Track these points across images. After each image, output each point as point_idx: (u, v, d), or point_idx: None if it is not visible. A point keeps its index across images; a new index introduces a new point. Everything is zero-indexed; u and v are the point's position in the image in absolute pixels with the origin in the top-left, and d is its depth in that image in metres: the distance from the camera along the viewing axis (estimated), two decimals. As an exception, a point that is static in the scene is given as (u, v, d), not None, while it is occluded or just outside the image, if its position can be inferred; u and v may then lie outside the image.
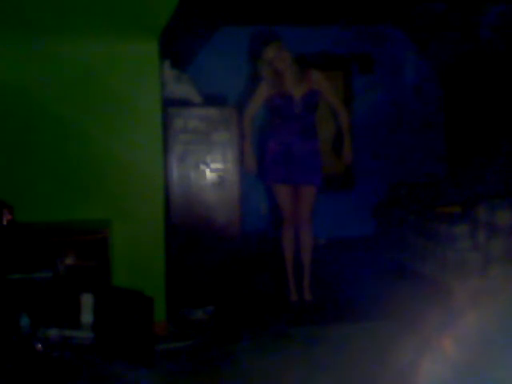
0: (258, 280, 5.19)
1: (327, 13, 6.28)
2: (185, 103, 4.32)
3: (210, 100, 4.57)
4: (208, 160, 4.28)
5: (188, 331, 3.93)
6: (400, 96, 7.02)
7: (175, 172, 4.23)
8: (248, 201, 4.99)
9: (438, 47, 6.63)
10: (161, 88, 3.95)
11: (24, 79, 3.70)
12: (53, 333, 3.31)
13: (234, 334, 3.91)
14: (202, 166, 4.28)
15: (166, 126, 4.13)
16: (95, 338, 3.37)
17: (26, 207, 3.68)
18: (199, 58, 6.53)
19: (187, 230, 4.26)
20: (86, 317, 3.45)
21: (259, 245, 6.19)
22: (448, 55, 6.59)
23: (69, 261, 3.49)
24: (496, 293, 4.07)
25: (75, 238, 3.48)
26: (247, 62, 6.45)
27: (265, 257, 5.92)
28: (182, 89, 4.34)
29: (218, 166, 4.29)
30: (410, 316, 3.72)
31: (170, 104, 4.22)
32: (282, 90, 4.33)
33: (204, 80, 5.18)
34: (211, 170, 4.29)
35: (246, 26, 6.55)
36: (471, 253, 4.30)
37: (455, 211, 5.05)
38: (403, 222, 5.41)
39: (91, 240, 3.48)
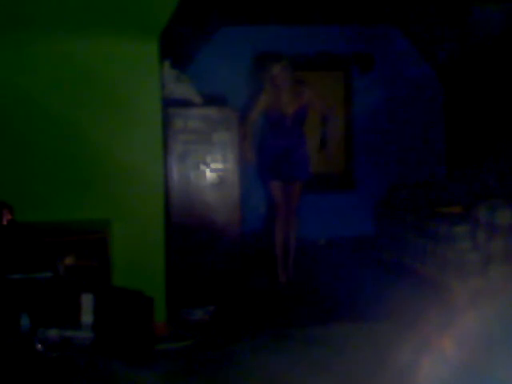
0: (258, 280, 5.19)
1: (327, 13, 6.28)
2: (185, 103, 4.32)
3: (210, 100, 4.57)
4: (208, 160, 4.28)
5: (188, 331, 3.93)
6: (400, 96, 7.01)
7: (175, 172, 4.23)
8: (248, 201, 5.02)
9: (438, 47, 6.63)
10: (161, 88, 3.95)
11: (24, 79, 3.70)
12: (53, 333, 3.31)
13: (233, 333, 3.91)
14: (202, 166, 4.28)
15: (165, 125, 4.12)
16: (95, 338, 3.36)
17: (26, 207, 3.68)
18: (199, 57, 6.52)
19: (187, 230, 4.26)
20: (86, 317, 3.44)
21: (259, 244, 6.19)
22: (448, 55, 6.59)
23: (69, 261, 3.49)
24: (496, 293, 4.07)
25: (75, 238, 3.48)
26: (247, 62, 6.46)
27: (265, 256, 5.92)
28: (182, 89, 4.34)
29: (218, 166, 4.29)
30: (410, 316, 3.72)
31: (170, 104, 4.22)
32: (277, 106, 4.96)
33: (204, 80, 5.18)
34: (211, 170, 4.29)
35: (246, 26, 6.55)
36: (471, 253, 4.30)
37: (455, 211, 5.05)
38: (403, 222, 5.41)
39: (91, 240, 3.48)
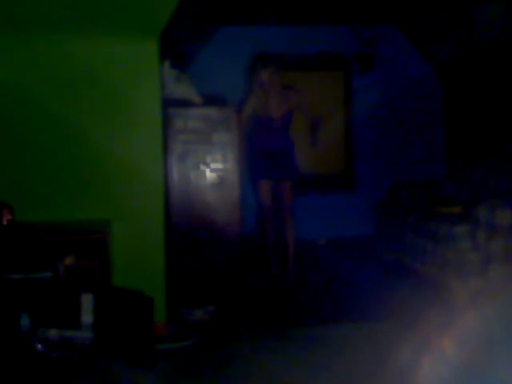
0: (258, 280, 5.19)
1: (327, 13, 6.28)
2: (185, 103, 4.32)
3: (210, 100, 4.58)
4: (208, 160, 4.28)
5: (188, 331, 3.93)
6: (400, 96, 7.01)
7: (175, 172, 4.23)
8: (248, 201, 5.03)
9: (438, 47, 6.63)
10: (161, 88, 3.95)
11: (24, 79, 3.70)
12: (53, 333, 3.31)
13: (234, 333, 3.91)
14: (202, 166, 4.28)
15: (165, 125, 4.12)
16: (95, 338, 3.36)
17: (26, 207, 3.68)
18: (199, 57, 6.52)
19: (187, 230, 4.26)
20: (86, 317, 3.44)
21: (259, 244, 6.19)
22: (448, 55, 6.59)
23: (69, 261, 3.49)
24: (496, 293, 4.07)
25: (75, 238, 3.48)
26: (247, 62, 6.46)
27: (264, 256, 5.91)
28: (182, 89, 4.34)
29: (218, 166, 4.29)
30: (410, 316, 3.72)
31: (170, 104, 4.22)
32: (266, 110, 5.21)
33: (204, 80, 5.19)
34: (211, 170, 4.29)
35: (246, 26, 6.55)
36: (471, 253, 4.30)
37: (455, 211, 5.05)
38: (403, 222, 5.41)
39: (91, 240, 3.48)
